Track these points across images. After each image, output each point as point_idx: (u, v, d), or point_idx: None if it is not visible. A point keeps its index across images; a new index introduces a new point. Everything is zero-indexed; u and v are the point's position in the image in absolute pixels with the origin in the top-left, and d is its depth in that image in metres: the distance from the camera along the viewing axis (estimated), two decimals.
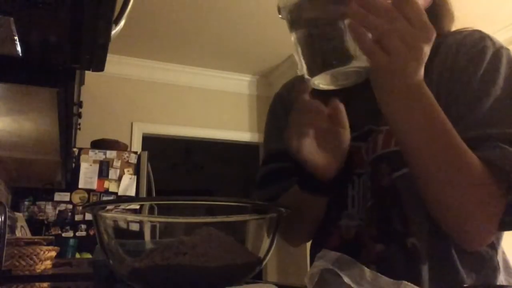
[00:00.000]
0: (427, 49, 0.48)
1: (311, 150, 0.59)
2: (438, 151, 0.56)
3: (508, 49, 0.68)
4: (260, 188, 0.82)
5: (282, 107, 0.85)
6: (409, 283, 0.41)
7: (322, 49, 0.49)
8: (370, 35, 0.47)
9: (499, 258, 0.68)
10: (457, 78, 0.66)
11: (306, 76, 0.51)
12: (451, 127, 0.56)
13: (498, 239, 0.69)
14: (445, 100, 0.65)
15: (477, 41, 0.69)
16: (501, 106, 0.61)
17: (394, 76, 0.50)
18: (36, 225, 2.79)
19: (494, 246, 0.67)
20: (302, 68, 0.51)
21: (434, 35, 0.48)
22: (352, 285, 0.43)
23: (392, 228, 0.67)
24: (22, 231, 2.09)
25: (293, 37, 0.52)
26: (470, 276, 0.64)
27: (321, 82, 0.51)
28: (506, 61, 0.65)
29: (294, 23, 0.51)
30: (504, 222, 0.58)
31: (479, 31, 0.71)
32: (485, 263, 0.66)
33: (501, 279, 0.66)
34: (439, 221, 0.62)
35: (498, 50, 0.67)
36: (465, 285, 0.63)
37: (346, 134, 0.61)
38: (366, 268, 0.45)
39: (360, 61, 0.48)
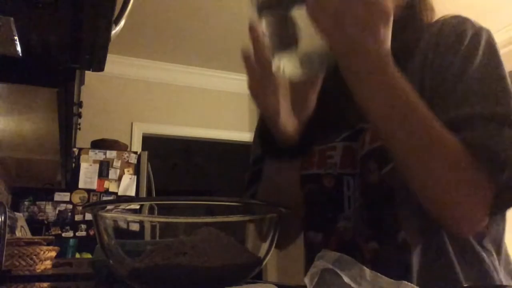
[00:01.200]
0: (384, 30, 0.50)
1: (285, 110, 0.62)
2: (409, 131, 0.55)
3: (488, 30, 0.67)
4: (246, 188, 0.84)
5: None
6: (409, 283, 0.41)
7: (285, 32, 0.53)
8: (327, 18, 0.49)
9: (502, 256, 0.67)
10: (439, 69, 0.65)
11: (272, 59, 0.55)
12: (425, 109, 0.55)
13: (498, 235, 0.68)
14: (430, 94, 0.64)
15: (455, 27, 0.67)
16: (481, 85, 0.60)
17: (354, 56, 0.52)
18: (36, 225, 2.79)
19: (483, 243, 0.66)
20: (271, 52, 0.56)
21: (391, 14, 0.50)
22: (352, 285, 0.43)
23: (383, 225, 0.66)
24: (22, 231, 2.09)
25: (261, 23, 0.56)
26: (464, 271, 0.63)
27: (286, 64, 0.54)
28: (485, 41, 0.64)
29: (260, 10, 0.56)
30: (496, 206, 0.56)
31: (458, 16, 0.69)
32: (480, 259, 0.65)
33: (500, 277, 0.65)
34: (426, 209, 0.60)
35: (477, 32, 0.65)
36: (465, 285, 0.63)
37: (314, 101, 0.64)
38: (366, 268, 0.45)
39: (320, 44, 0.51)
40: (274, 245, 0.57)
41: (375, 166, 0.67)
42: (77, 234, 2.91)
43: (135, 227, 0.57)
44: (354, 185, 0.70)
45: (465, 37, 0.65)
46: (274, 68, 0.56)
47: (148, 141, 3.95)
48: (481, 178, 0.55)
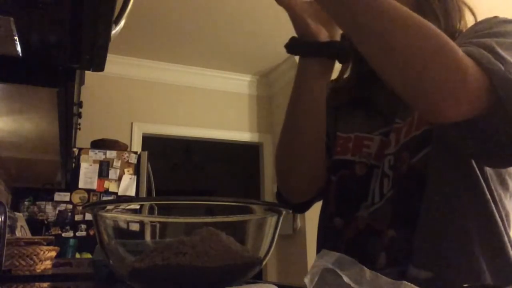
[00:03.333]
0: None
1: (302, 9, 0.66)
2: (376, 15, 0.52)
3: None
4: None
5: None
6: (408, 283, 0.41)
7: None
8: None
9: None
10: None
11: None
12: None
13: None
14: None
15: (483, 19, 0.67)
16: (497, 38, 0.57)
17: None
18: (36, 225, 2.79)
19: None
20: None
21: None
22: (352, 285, 0.43)
23: (407, 214, 0.66)
24: (22, 231, 2.09)
25: None
26: (486, 261, 0.62)
27: None
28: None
29: None
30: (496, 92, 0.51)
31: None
32: (504, 251, 0.63)
33: None
34: (406, 95, 0.56)
35: (508, 19, 0.64)
36: (465, 285, 0.63)
37: None
38: (366, 268, 0.45)
39: None
40: (274, 245, 0.57)
41: (407, 156, 0.68)
42: (77, 234, 2.91)
43: (135, 227, 0.57)
44: (381, 178, 0.71)
45: (491, 21, 0.64)
46: None
47: (148, 141, 3.95)
48: (462, 59, 0.51)
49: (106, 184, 3.06)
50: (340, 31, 0.69)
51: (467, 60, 0.51)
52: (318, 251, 0.83)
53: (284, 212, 0.58)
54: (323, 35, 0.68)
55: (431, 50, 0.51)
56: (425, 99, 0.54)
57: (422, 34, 0.52)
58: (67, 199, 2.96)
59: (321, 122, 0.74)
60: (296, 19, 0.67)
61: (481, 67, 0.51)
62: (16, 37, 0.63)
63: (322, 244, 0.82)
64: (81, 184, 3.00)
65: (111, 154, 3.12)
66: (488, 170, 0.66)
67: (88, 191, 3.02)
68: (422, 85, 0.52)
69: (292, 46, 0.69)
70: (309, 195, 0.81)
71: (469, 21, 0.73)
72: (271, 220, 0.57)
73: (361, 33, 0.55)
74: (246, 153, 5.09)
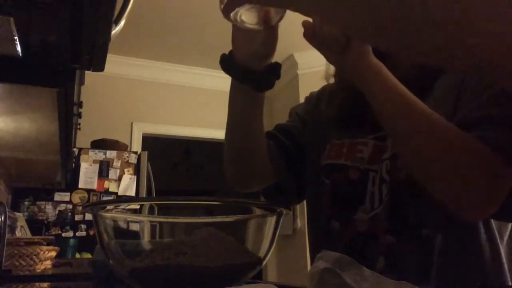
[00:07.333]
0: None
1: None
2: (399, 114, 0.61)
3: None
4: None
5: (307, 101, 0.97)
6: (409, 284, 0.41)
7: None
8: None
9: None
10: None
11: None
12: (414, 98, 0.60)
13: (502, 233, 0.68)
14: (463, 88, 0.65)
15: None
16: None
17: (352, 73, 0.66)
18: (36, 225, 2.79)
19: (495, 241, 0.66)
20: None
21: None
22: (352, 285, 0.43)
23: (405, 221, 0.67)
24: (22, 231, 2.09)
25: None
26: (494, 267, 0.64)
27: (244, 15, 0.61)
28: None
29: None
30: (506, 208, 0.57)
31: None
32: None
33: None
34: (436, 198, 0.61)
35: None
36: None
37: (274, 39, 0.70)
38: (366, 268, 0.45)
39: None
40: (274, 245, 0.57)
41: (402, 163, 0.69)
42: (77, 234, 2.91)
43: (135, 227, 0.57)
44: (379, 182, 0.72)
45: None
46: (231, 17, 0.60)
47: (148, 141, 3.95)
48: (490, 169, 0.56)
49: (106, 184, 3.06)
50: (271, 55, 0.74)
51: (488, 168, 0.55)
52: (312, 253, 0.83)
53: (284, 212, 0.58)
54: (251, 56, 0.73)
55: (460, 166, 0.57)
56: (453, 206, 0.59)
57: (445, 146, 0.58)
58: (67, 199, 2.96)
59: (252, 128, 0.80)
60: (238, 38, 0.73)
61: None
62: (16, 37, 0.63)
63: (318, 246, 0.82)
64: (81, 184, 3.00)
65: (111, 154, 3.12)
66: None
67: (88, 191, 3.02)
68: (450, 194, 0.59)
69: (224, 65, 0.77)
70: (254, 186, 0.87)
71: None
72: (271, 220, 0.57)
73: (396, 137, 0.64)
74: None
